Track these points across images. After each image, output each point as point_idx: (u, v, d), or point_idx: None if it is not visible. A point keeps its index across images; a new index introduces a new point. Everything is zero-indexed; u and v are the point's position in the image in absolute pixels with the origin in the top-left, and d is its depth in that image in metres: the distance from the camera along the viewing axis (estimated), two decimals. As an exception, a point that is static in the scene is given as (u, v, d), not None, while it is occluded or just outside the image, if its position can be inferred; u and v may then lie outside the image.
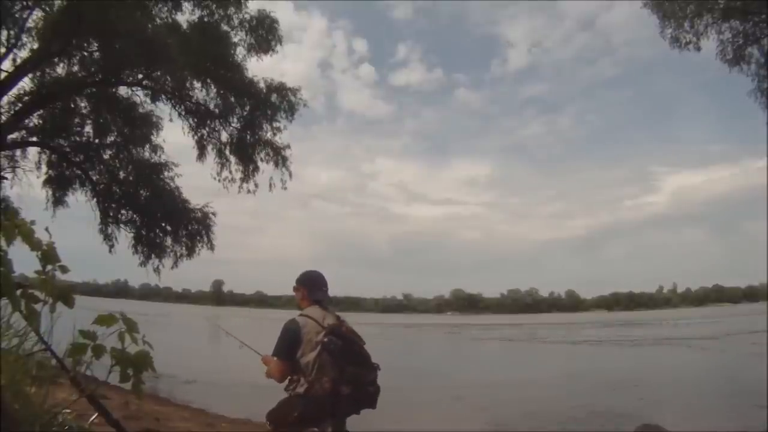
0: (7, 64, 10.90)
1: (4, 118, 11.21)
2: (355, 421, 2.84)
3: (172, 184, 13.64)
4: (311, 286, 3.06)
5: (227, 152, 13.86)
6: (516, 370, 17.20)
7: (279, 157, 13.83)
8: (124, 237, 13.78)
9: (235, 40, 12.95)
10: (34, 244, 1.61)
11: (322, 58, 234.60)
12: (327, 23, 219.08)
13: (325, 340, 2.72)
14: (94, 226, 13.49)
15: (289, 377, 2.85)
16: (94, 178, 13.51)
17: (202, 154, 13.82)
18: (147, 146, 13.72)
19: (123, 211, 13.82)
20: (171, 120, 13.46)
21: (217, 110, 13.58)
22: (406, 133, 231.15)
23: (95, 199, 13.47)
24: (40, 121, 12.61)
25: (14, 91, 11.21)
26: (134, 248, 13.78)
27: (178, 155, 14.05)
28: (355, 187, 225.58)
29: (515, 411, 9.86)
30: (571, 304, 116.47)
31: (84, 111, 13.20)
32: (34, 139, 12.68)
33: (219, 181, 13.87)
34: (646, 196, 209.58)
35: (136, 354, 1.61)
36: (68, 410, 1.71)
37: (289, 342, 2.80)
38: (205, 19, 12.40)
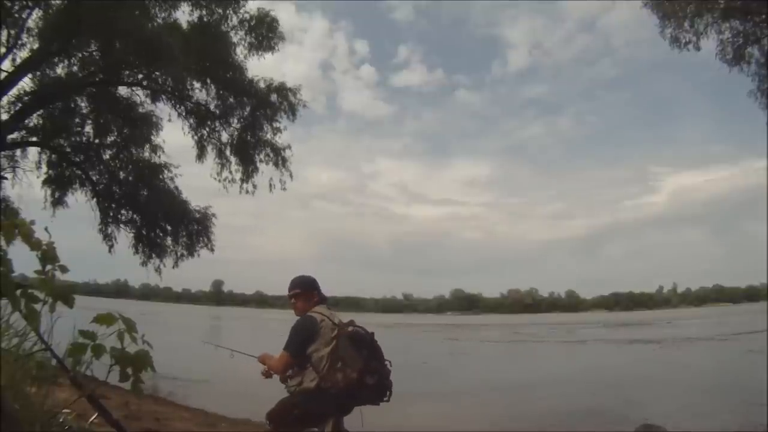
0: (7, 64, 10.93)
1: (4, 118, 11.22)
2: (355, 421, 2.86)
3: (171, 184, 13.68)
4: (310, 288, 3.09)
5: (227, 152, 13.89)
6: (515, 371, 17.20)
7: (279, 157, 13.85)
8: (124, 237, 13.83)
9: (235, 39, 12.98)
10: (34, 244, 1.61)
11: (323, 59, 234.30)
12: (328, 24, 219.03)
13: (351, 330, 2.76)
14: (94, 226, 13.52)
15: (289, 374, 2.87)
16: (94, 178, 13.51)
17: (202, 155, 13.85)
18: (147, 146, 13.73)
19: (123, 211, 13.83)
20: (170, 120, 13.49)
21: (217, 111, 13.59)
22: (406, 134, 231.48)
23: (95, 199, 13.48)
24: (40, 121, 12.61)
25: (14, 91, 11.22)
26: (134, 248, 13.82)
27: (178, 155, 14.08)
28: (355, 188, 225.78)
29: (515, 411, 9.86)
30: (571, 304, 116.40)
31: (84, 111, 13.20)
32: (34, 139, 12.68)
33: (219, 181, 13.90)
34: (646, 196, 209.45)
35: (135, 353, 1.61)
36: (68, 410, 1.71)
37: (305, 337, 2.83)
38: (205, 19, 12.41)
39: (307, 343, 2.79)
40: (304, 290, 3.09)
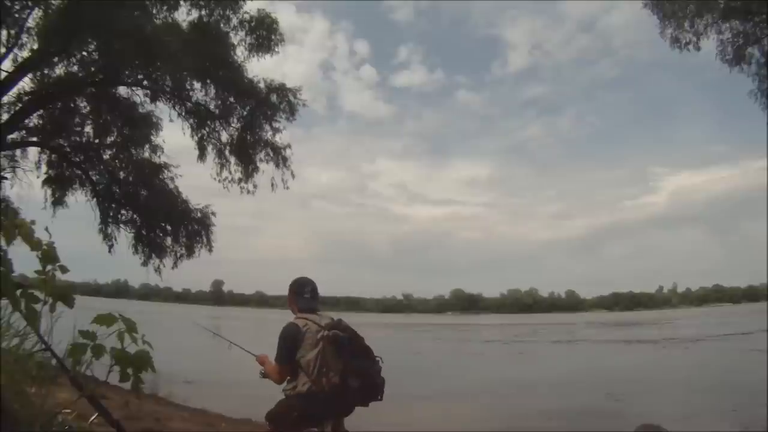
0: (7, 64, 10.92)
1: (4, 118, 11.21)
2: (357, 421, 2.85)
3: (171, 184, 13.68)
4: (297, 292, 3.09)
5: (227, 152, 13.88)
6: (515, 372, 17.19)
7: (279, 157, 13.85)
8: (124, 237, 13.83)
9: (235, 40, 12.97)
10: (34, 244, 1.61)
11: (323, 60, 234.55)
12: (329, 25, 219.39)
13: (330, 333, 2.74)
14: (94, 226, 13.52)
15: (288, 378, 2.87)
16: (94, 178, 13.52)
17: (202, 155, 13.83)
18: (147, 146, 13.73)
19: (123, 211, 13.84)
20: (171, 121, 13.47)
21: (217, 111, 13.59)
22: (406, 134, 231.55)
23: (95, 199, 13.49)
24: (40, 121, 12.61)
25: (14, 91, 11.23)
26: (134, 248, 13.82)
27: (179, 155, 14.09)
28: (355, 188, 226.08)
29: (515, 411, 9.86)
30: (571, 304, 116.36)
31: (84, 111, 13.20)
32: (34, 139, 12.68)
33: (219, 181, 13.90)
34: (646, 197, 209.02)
35: (135, 353, 1.62)
36: (68, 410, 1.71)
37: (289, 345, 2.82)
38: (205, 20, 12.40)
39: (293, 350, 2.80)
40: (290, 293, 3.10)
